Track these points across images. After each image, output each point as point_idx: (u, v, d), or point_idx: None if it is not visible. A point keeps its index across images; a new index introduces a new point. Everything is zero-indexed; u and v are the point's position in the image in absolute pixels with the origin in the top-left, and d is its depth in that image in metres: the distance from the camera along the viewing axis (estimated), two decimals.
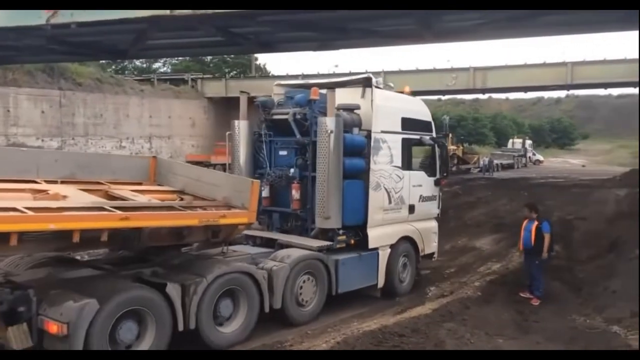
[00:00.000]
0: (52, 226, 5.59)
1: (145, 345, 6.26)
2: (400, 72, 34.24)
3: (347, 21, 28.48)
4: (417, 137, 9.83)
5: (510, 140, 63.46)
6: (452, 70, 32.14)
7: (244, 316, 7.27)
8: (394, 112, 9.31)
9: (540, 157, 63.57)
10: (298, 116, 8.80)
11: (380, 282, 9.29)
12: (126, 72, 54.30)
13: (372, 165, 8.77)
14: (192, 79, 41.57)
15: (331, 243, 8.52)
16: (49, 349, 5.79)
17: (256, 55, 54.49)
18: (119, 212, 6.24)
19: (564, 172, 45.49)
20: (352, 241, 8.80)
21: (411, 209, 9.70)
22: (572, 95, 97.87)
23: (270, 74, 53.18)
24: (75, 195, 6.73)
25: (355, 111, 8.85)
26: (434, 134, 10.44)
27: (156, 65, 59.17)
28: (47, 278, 6.55)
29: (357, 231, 8.84)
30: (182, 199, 7.56)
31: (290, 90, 9.55)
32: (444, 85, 30.79)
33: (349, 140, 8.50)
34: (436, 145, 10.34)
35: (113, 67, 53.95)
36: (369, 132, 8.78)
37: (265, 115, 9.32)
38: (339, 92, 8.76)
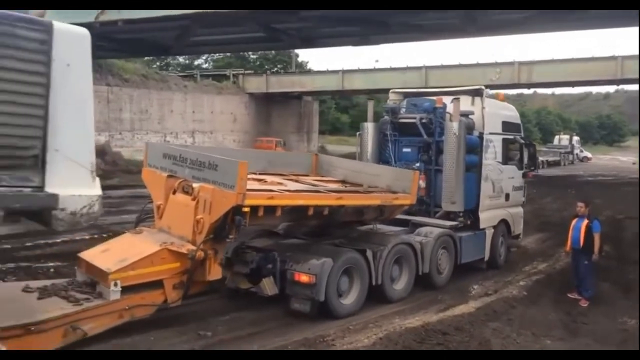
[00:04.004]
0: (301, 202, 7.31)
1: (353, 294, 7.88)
2: (442, 66, 33.60)
3: (389, 16, 28.26)
4: (512, 136, 11.51)
5: (556, 137, 61.65)
6: (496, 64, 31.42)
7: (406, 278, 8.85)
8: (497, 117, 11.06)
9: (588, 154, 61.56)
10: (424, 120, 10.41)
11: (486, 256, 10.92)
12: (170, 68, 55.26)
13: (483, 161, 10.53)
14: (233, 75, 41.90)
15: (457, 223, 10.18)
16: (291, 294, 7.47)
17: (297, 51, 54.76)
18: (333, 193, 7.98)
19: (613, 169, 43.73)
20: (469, 222, 10.49)
21: (507, 196, 11.42)
22: (622, 90, 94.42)
23: (309, 70, 53.14)
24: (285, 183, 8.27)
25: (470, 116, 10.45)
26: (522, 134, 12.09)
27: (198, 61, 59.97)
28: (274, 244, 8.20)
29: (469, 214, 10.51)
30: (346, 187, 9.08)
31: (413, 98, 11.35)
32: (487, 80, 29.90)
33: (468, 140, 10.13)
34: (524, 144, 12.00)
35: (157, 63, 54.94)
36: (481, 133, 10.52)
37: (392, 119, 10.90)
38: (447, 99, 10.44)
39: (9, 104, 3.77)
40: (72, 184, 4.06)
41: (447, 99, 10.54)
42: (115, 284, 5.88)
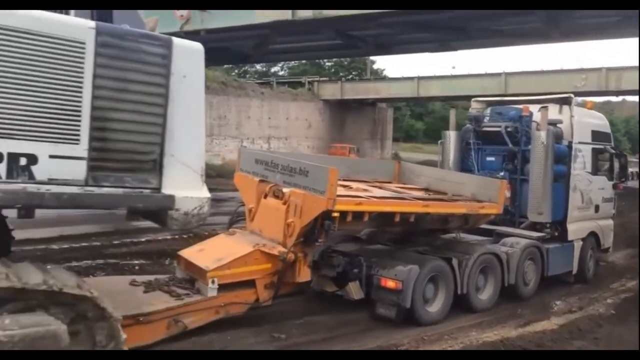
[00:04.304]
0: (388, 209, 7.45)
1: (438, 302, 7.90)
2: (522, 73, 32.64)
3: (468, 21, 27.83)
4: (602, 146, 11.27)
5: None
6: (581, 70, 30.11)
7: (491, 288, 8.78)
8: (587, 126, 10.85)
9: None
10: (509, 129, 10.34)
11: (575, 269, 10.64)
12: (247, 75, 56.89)
13: (572, 171, 10.31)
14: (308, 82, 42.58)
15: (544, 234, 10.02)
16: (376, 299, 7.56)
17: (374, 58, 54.85)
18: (420, 201, 8.13)
19: None
20: (556, 233, 10.27)
21: (596, 208, 11.14)
22: None
23: (384, 77, 53.06)
24: (369, 189, 8.47)
25: (558, 125, 10.28)
26: (612, 144, 11.84)
27: (275, 69, 61.43)
28: (360, 249, 8.32)
29: (557, 225, 10.28)
30: (430, 195, 9.17)
31: (497, 107, 11.31)
32: (572, 87, 28.57)
33: (556, 150, 10.00)
34: (615, 154, 11.74)
35: (236, 71, 56.67)
36: (570, 142, 10.32)
37: (476, 127, 10.88)
38: (533, 108, 10.40)
39: (134, 113, 4.16)
40: (185, 186, 4.39)
41: (533, 108, 10.43)
42: (213, 282, 6.19)
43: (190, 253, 6.87)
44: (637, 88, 29.98)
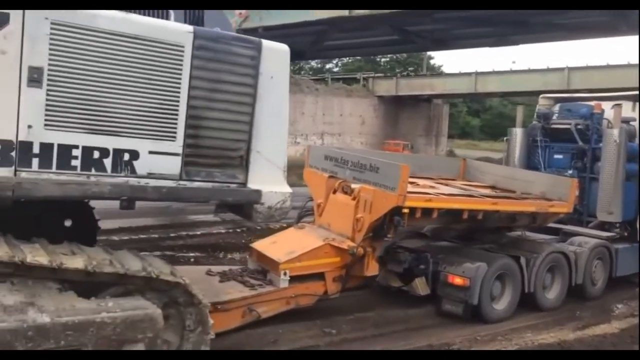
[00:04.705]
0: (457, 206, 7.52)
1: (505, 300, 7.91)
2: (587, 67, 31.46)
3: (529, 15, 27.08)
4: None
5: None
6: None
7: (559, 287, 8.72)
8: None
9: None
10: (580, 126, 10.24)
11: None
12: (302, 72, 57.35)
13: None
14: (363, 78, 42.52)
15: (614, 234, 9.92)
16: (442, 295, 7.61)
17: (431, 54, 54.21)
18: (488, 198, 8.21)
19: None
20: (625, 234, 10.16)
21: None
22: None
23: (441, 72, 52.35)
24: (436, 186, 8.59)
25: (631, 123, 10.18)
26: None
27: (329, 65, 61.61)
28: (426, 246, 8.37)
29: (627, 225, 10.19)
30: (498, 193, 9.14)
31: (566, 103, 11.17)
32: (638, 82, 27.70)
33: (628, 148, 9.85)
34: None
35: (291, 67, 57.14)
36: None
37: (544, 124, 10.80)
38: (605, 105, 10.28)
39: (225, 112, 4.42)
40: (269, 181, 4.64)
41: (604, 105, 10.23)
42: (285, 273, 6.40)
43: (262, 245, 7.12)
44: None
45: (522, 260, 8.07)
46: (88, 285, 4.04)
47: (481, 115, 63.12)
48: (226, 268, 6.97)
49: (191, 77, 4.18)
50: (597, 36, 31.17)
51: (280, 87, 4.61)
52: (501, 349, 6.80)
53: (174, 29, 4.15)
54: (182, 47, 4.12)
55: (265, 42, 4.49)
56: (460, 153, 41.85)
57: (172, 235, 11.69)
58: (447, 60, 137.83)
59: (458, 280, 7.45)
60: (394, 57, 55.81)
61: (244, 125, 4.49)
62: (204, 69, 4.24)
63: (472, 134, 61.24)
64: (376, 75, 44.08)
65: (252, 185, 4.55)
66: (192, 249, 10.66)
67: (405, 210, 6.66)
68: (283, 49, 4.63)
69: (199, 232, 12.10)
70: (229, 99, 4.41)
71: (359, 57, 54.06)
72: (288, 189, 4.74)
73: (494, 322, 7.60)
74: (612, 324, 8.21)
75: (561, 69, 31.92)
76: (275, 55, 4.56)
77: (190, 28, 4.18)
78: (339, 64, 60.63)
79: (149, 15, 4.30)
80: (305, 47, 36.09)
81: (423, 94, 39.66)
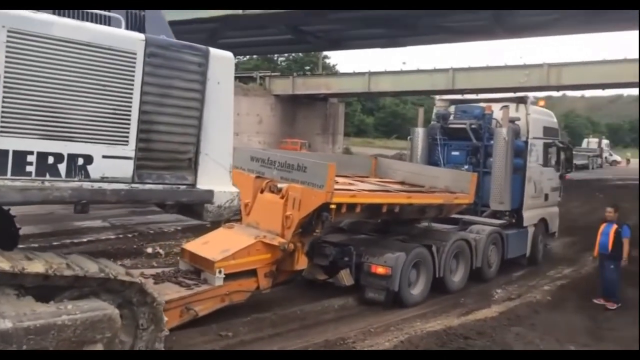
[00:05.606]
0: (379, 200, 8.09)
1: (420, 285, 8.58)
2: (469, 69, 33.82)
3: (417, 18, 28.67)
4: (551, 140, 12.30)
5: (585, 140, 60.57)
6: (524, 67, 31.33)
7: (462, 271, 9.55)
8: (539, 122, 11.84)
9: (618, 158, 60.64)
10: (474, 126, 11.17)
11: (528, 252, 11.68)
12: None
13: (528, 164, 11.24)
14: (260, 77, 42.58)
15: (504, 221, 10.91)
16: (365, 285, 8.13)
17: (327, 54, 55.24)
18: (404, 193, 8.87)
19: None
20: (513, 220, 11.20)
21: (546, 197, 12.19)
22: None
23: (336, 72, 53.67)
24: (355, 183, 9.00)
25: (516, 122, 11.25)
26: (559, 138, 12.92)
27: None
28: (348, 239, 8.88)
29: (514, 213, 11.23)
30: (410, 188, 9.80)
31: (462, 105, 12.19)
32: (515, 83, 29.97)
33: (515, 145, 10.93)
34: (562, 147, 12.82)
35: None
36: (526, 138, 11.28)
37: (443, 124, 11.63)
38: (494, 106, 11.32)
39: (175, 116, 4.58)
40: (217, 182, 4.85)
41: (494, 106, 11.31)
42: (220, 272, 6.60)
43: (194, 246, 7.25)
44: (579, 83, 31.72)
45: (434, 249, 8.81)
46: (43, 289, 4.05)
47: (375, 113, 65.53)
48: (159, 270, 7.03)
49: (143, 83, 4.29)
50: (477, 39, 33.71)
51: (226, 92, 4.83)
52: (393, 339, 7.04)
53: (126, 36, 4.22)
54: (135, 54, 4.22)
55: (213, 50, 4.70)
56: (356, 150, 43.24)
57: (54, 244, 10.77)
58: (343, 60, 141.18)
59: (380, 270, 7.99)
60: (291, 56, 56.39)
61: (192, 128, 4.67)
62: (155, 76, 4.36)
63: (367, 131, 63.44)
64: (273, 74, 44.26)
65: (201, 185, 4.74)
66: None
67: (333, 206, 7.10)
68: (228, 56, 4.86)
69: (85, 239, 11.51)
70: (179, 104, 4.56)
71: (255, 56, 54.01)
72: (235, 189, 4.97)
73: (412, 306, 8.22)
74: (492, 308, 8.66)
75: (446, 70, 33.95)
76: (221, 62, 4.78)
77: (142, 36, 4.28)
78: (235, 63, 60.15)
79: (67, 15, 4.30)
80: (199, 44, 35.49)
81: (319, 93, 40.36)
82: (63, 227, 12.40)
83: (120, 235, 11.94)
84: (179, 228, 13.00)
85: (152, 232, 12.62)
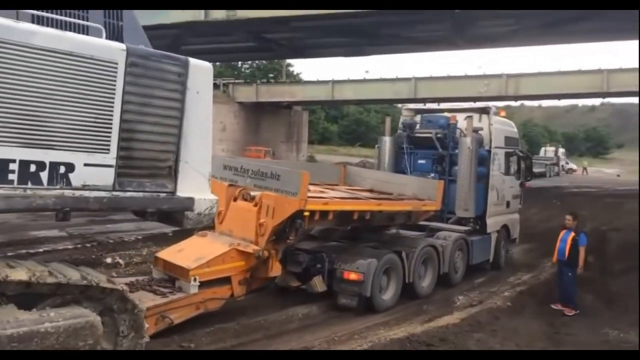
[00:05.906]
0: (350, 207, 8.28)
1: (390, 291, 8.75)
2: (431, 78, 34.57)
3: (379, 27, 29.17)
4: (512, 150, 12.68)
5: (543, 149, 62.56)
6: (484, 77, 32.24)
7: (430, 276, 9.77)
8: (501, 132, 12.25)
9: (574, 166, 62.64)
10: (439, 135, 11.51)
11: (491, 258, 12.03)
12: None
13: (491, 172, 11.58)
14: (224, 84, 42.37)
15: (469, 228, 11.22)
16: (338, 291, 8.24)
17: (291, 62, 55.36)
18: (374, 200, 9.07)
19: (598, 181, 43.85)
20: (477, 227, 11.56)
21: (507, 204, 12.58)
22: (608, 104, 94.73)
23: (300, 80, 53.88)
24: (325, 191, 9.13)
25: (479, 132, 11.56)
26: (520, 147, 13.35)
27: None
28: (320, 246, 9.02)
29: (478, 220, 11.59)
30: (379, 195, 9.94)
31: (428, 115, 12.52)
32: (475, 92, 30.88)
33: (479, 154, 11.22)
34: (522, 156, 13.21)
35: None
36: (489, 147, 11.63)
37: (409, 133, 11.94)
38: (458, 116, 11.67)
39: (155, 125, 4.64)
40: (196, 189, 4.91)
41: (458, 116, 11.70)
42: (195, 279, 6.64)
43: (169, 254, 7.25)
44: (537, 93, 32.73)
45: (403, 255, 8.99)
46: (25, 297, 4.05)
47: (339, 121, 65.98)
48: (133, 279, 6.99)
49: (124, 93, 4.33)
50: (438, 49, 34.36)
51: (206, 101, 4.91)
52: (356, 347, 7.05)
53: (107, 46, 4.26)
54: (116, 64, 4.26)
55: (192, 60, 4.78)
56: (320, 158, 43.45)
57: (9, 254, 10.56)
58: (306, 68, 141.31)
59: (353, 276, 8.13)
60: (255, 63, 56.30)
61: (172, 137, 4.72)
62: (135, 85, 4.41)
63: (331, 139, 63.83)
64: (236, 81, 44.10)
65: (181, 193, 4.80)
66: None
67: (306, 214, 7.23)
68: (207, 66, 4.95)
69: (41, 249, 11.23)
70: (159, 113, 4.61)
71: (218, 63, 53.71)
72: (214, 196, 5.05)
73: (383, 311, 8.38)
74: (454, 315, 8.78)
75: (409, 79, 34.58)
76: (201, 72, 4.86)
77: (123, 46, 4.33)
78: None
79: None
80: (162, 50, 35.09)
81: (283, 101, 40.44)
82: (19, 236, 12.12)
83: (79, 245, 11.70)
84: (139, 237, 12.88)
85: (111, 241, 12.44)
